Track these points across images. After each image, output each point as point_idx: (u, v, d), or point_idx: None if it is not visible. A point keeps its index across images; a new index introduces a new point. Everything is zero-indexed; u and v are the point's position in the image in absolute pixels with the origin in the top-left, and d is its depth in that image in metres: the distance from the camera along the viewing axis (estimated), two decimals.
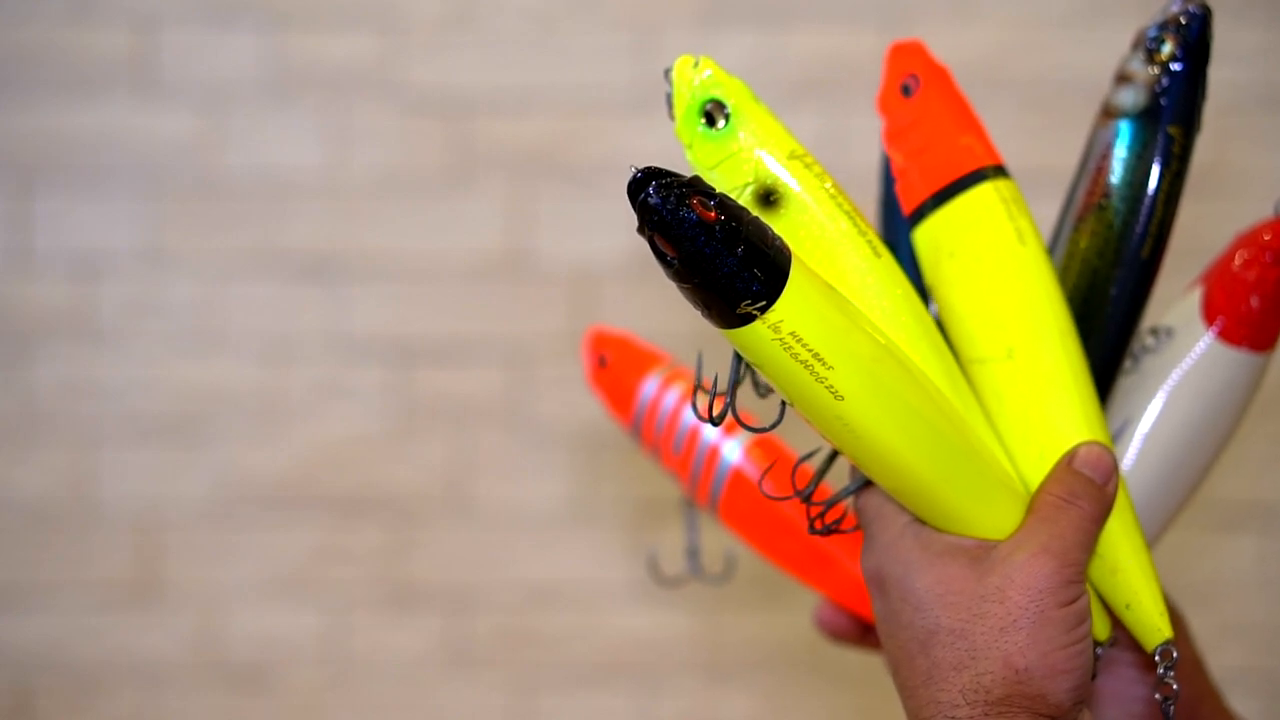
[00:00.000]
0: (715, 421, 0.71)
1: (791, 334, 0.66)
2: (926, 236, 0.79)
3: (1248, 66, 1.70)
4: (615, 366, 1.04)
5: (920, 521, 0.73)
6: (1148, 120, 0.83)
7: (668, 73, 0.76)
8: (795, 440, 0.94)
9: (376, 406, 1.72)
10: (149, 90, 1.70)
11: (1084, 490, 0.73)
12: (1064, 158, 1.76)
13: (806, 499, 0.77)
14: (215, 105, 1.70)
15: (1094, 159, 0.84)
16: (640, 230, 0.65)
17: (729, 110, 0.76)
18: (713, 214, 0.64)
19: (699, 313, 0.68)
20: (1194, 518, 1.73)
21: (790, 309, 0.66)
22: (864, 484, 0.76)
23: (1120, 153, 0.84)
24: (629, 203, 0.65)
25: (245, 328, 1.72)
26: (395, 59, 1.71)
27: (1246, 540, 1.74)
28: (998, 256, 0.77)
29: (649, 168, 0.65)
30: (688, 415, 0.98)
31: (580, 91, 1.71)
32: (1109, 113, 0.85)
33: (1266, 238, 0.89)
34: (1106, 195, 0.84)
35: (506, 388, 1.73)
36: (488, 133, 1.71)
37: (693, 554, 1.08)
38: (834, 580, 0.97)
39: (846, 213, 0.75)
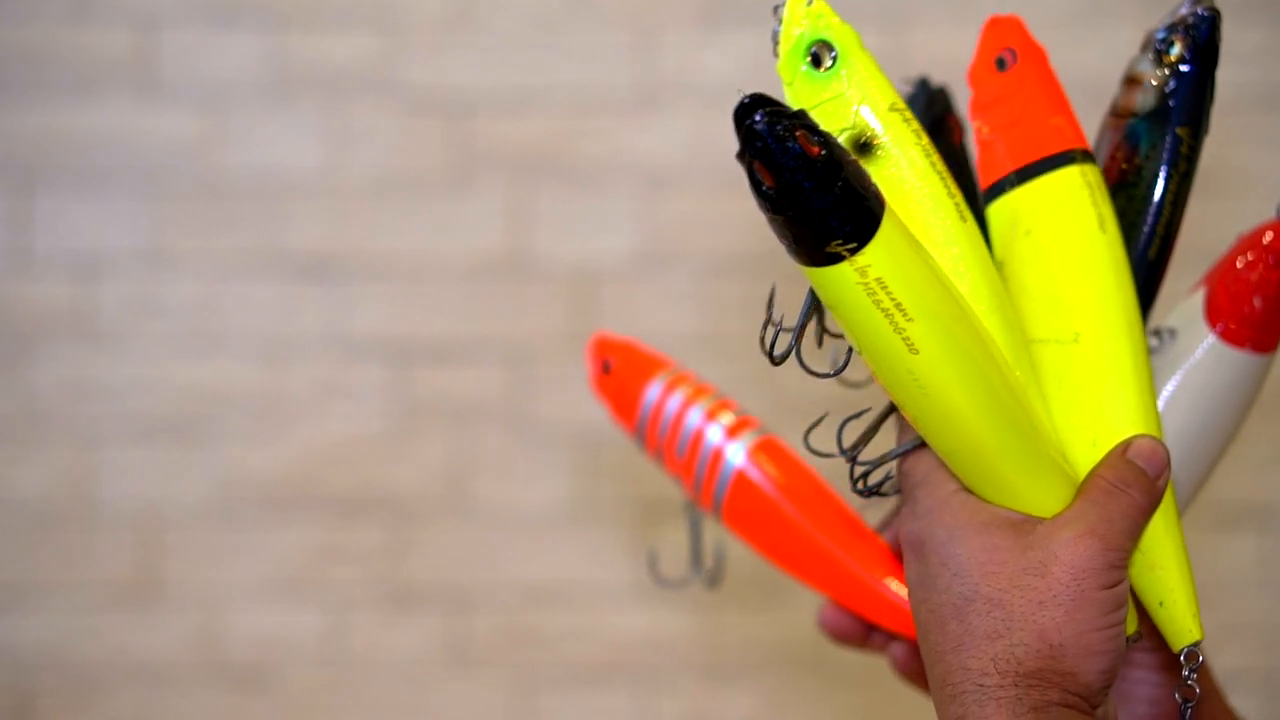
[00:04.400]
0: (778, 360, 0.71)
1: (878, 280, 0.66)
2: (1004, 211, 0.79)
3: (1248, 66, 1.70)
4: (619, 372, 1.04)
5: (968, 490, 0.73)
6: (1156, 122, 0.83)
7: (777, 9, 0.77)
8: (796, 443, 0.94)
9: (376, 406, 1.72)
10: (149, 90, 1.70)
11: (1136, 480, 0.73)
12: None
13: (852, 459, 0.77)
14: (215, 105, 1.70)
15: (1102, 161, 0.84)
16: (740, 156, 0.65)
17: (836, 53, 0.76)
18: (816, 149, 0.64)
19: (784, 246, 0.67)
20: (1194, 518, 1.73)
21: (879, 255, 0.66)
22: (912, 448, 0.76)
23: (1131, 154, 0.84)
24: (737, 130, 0.64)
25: (245, 328, 1.72)
26: (395, 59, 1.71)
27: (1246, 540, 1.74)
28: (1077, 239, 0.77)
29: (757, 94, 0.65)
30: (691, 419, 0.99)
31: (580, 91, 1.71)
32: (1118, 114, 0.85)
33: (1268, 239, 0.89)
34: (1117, 193, 0.84)
35: (506, 388, 1.73)
36: (488, 133, 1.71)
37: (696, 559, 1.08)
38: (838, 582, 0.97)
39: (939, 173, 0.75)
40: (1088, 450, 0.75)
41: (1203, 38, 0.83)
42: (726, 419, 0.99)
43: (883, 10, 1.70)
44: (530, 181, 1.71)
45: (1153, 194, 0.84)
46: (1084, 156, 0.79)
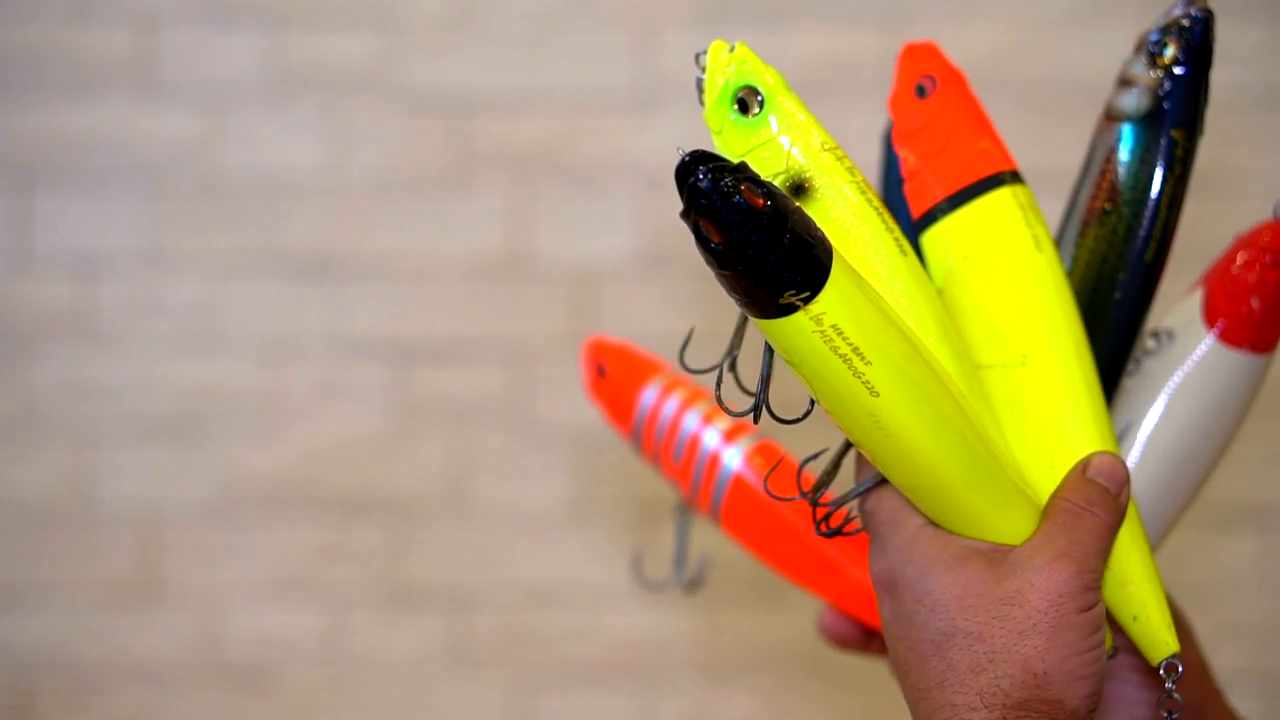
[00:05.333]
0: (754, 417, 0.71)
1: (833, 327, 0.66)
2: (938, 239, 0.78)
3: (1248, 66, 1.70)
4: (614, 376, 1.04)
5: (935, 525, 0.73)
6: (1150, 124, 0.83)
7: (700, 57, 0.75)
8: (796, 445, 0.94)
9: (376, 406, 1.72)
10: (149, 90, 1.70)
11: (1100, 499, 0.73)
12: (1064, 158, 1.76)
13: (814, 501, 0.76)
14: (215, 105, 1.70)
15: (1097, 163, 0.84)
16: (685, 215, 0.65)
17: (763, 97, 0.74)
18: (761, 200, 0.64)
19: (736, 301, 0.67)
20: (1194, 518, 1.73)
21: (833, 301, 0.65)
22: (873, 485, 0.75)
23: (1123, 157, 0.84)
24: (676, 186, 0.64)
25: (245, 328, 1.72)
26: (395, 59, 1.71)
27: (1246, 540, 1.74)
28: (1014, 262, 0.77)
29: (698, 151, 0.64)
30: (688, 423, 0.98)
31: (580, 91, 1.71)
32: (1111, 116, 0.85)
33: (1266, 239, 0.89)
34: (1111, 200, 0.84)
35: (506, 388, 1.73)
36: (488, 133, 1.71)
37: (679, 562, 1.08)
38: (837, 587, 0.96)
39: (875, 208, 0.74)
40: (1046, 472, 0.74)
41: (1196, 39, 0.82)
42: (724, 423, 0.98)
43: (883, 10, 1.70)
44: (530, 181, 1.71)
45: (1148, 197, 0.84)
46: (1013, 178, 0.79)
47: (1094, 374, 0.77)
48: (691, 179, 0.64)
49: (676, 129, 1.70)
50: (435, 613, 1.74)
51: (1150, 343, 0.88)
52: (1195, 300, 0.89)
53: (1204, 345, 0.87)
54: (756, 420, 0.71)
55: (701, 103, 0.75)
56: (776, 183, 0.73)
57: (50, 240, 1.71)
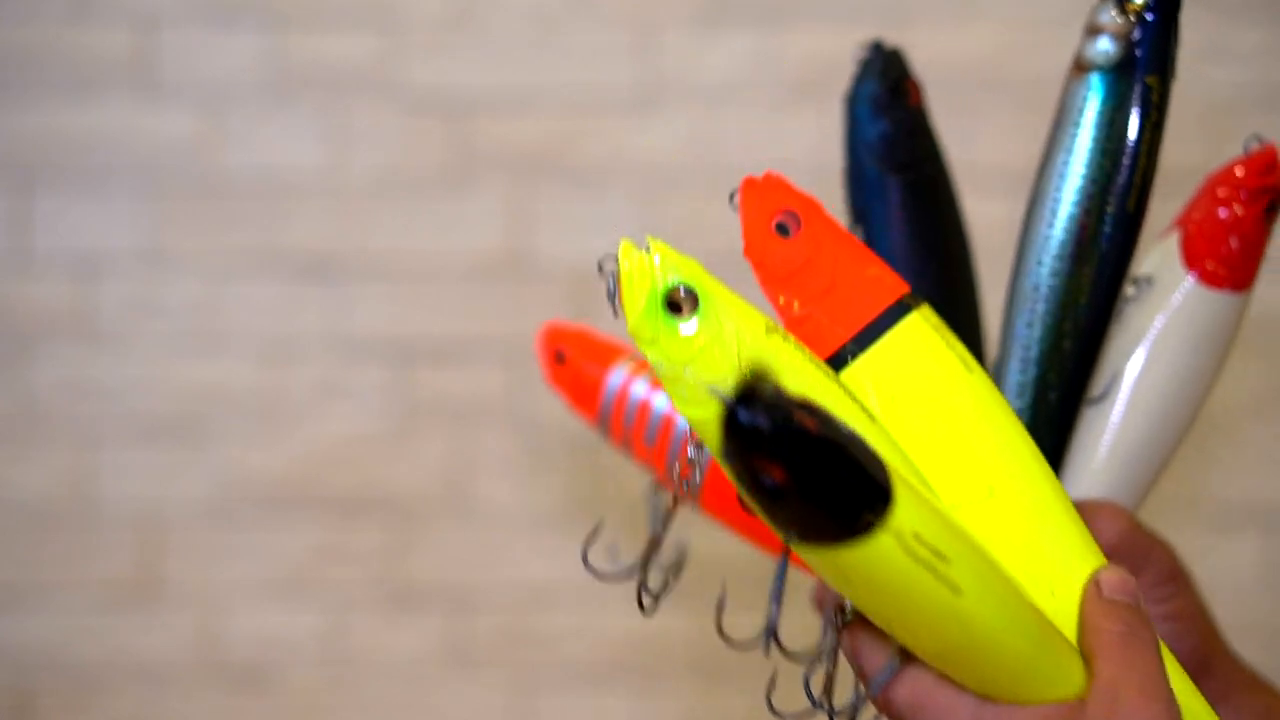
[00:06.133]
0: (765, 648, 0.66)
1: (915, 535, 0.59)
2: (853, 383, 0.70)
3: (1248, 66, 1.70)
4: (575, 361, 1.01)
5: (991, 700, 0.66)
6: (1123, 72, 0.82)
7: (605, 265, 0.66)
8: None
9: (376, 406, 1.72)
10: (149, 90, 1.70)
11: (1135, 618, 0.68)
12: None
13: (832, 710, 0.71)
14: (215, 105, 1.70)
15: (1071, 113, 0.83)
16: (732, 456, 0.56)
17: (695, 292, 0.65)
18: (813, 423, 0.55)
19: (790, 534, 0.58)
20: (1194, 518, 1.73)
21: (907, 506, 0.58)
22: (892, 674, 0.69)
23: (1098, 106, 0.83)
24: (723, 432, 0.55)
25: (245, 328, 1.72)
26: (395, 59, 1.71)
27: (1246, 540, 1.74)
28: (949, 391, 0.71)
29: (738, 386, 0.55)
30: (659, 403, 0.96)
31: (580, 91, 1.71)
32: (1081, 66, 0.84)
33: (1240, 174, 0.88)
34: (1093, 150, 0.83)
35: (506, 388, 1.73)
36: (488, 133, 1.71)
37: (652, 551, 1.04)
38: None
39: (830, 376, 0.69)
40: (1050, 601, 0.69)
41: None
42: None
43: (882, 10, 1.70)
44: (530, 181, 1.71)
45: (1126, 145, 0.83)
46: (915, 299, 0.72)
47: (1058, 484, 0.72)
48: (743, 420, 0.55)
49: (677, 129, 1.70)
50: (435, 613, 1.74)
51: (1130, 290, 0.87)
52: (1172, 244, 0.89)
53: (1186, 288, 0.87)
54: (767, 652, 0.67)
55: (617, 312, 0.67)
56: (734, 379, 0.63)
57: (50, 240, 1.71)
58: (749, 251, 0.73)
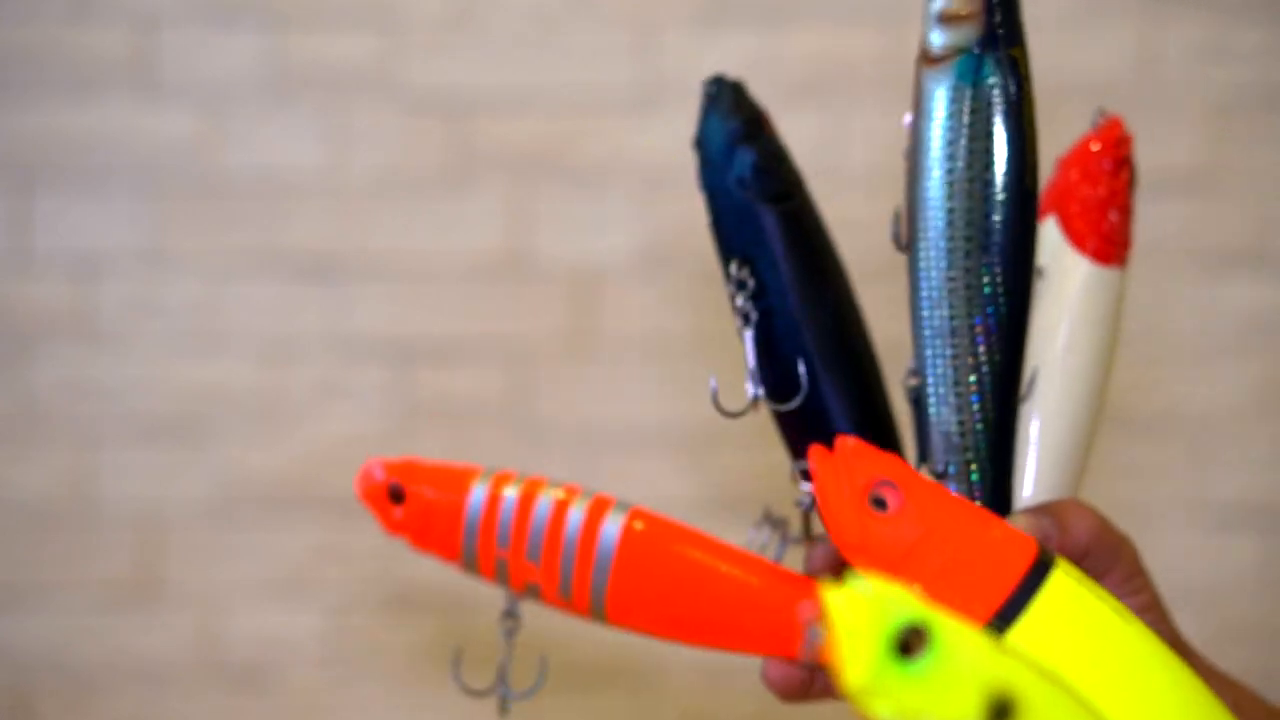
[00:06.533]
0: None
1: None
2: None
3: (1248, 66, 1.70)
4: (419, 494, 0.87)
5: None
6: (988, 50, 0.80)
7: (816, 627, 0.61)
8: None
9: (376, 406, 1.72)
10: (149, 90, 1.70)
11: None
12: None
13: None
14: (215, 105, 1.70)
15: (939, 104, 0.80)
16: None
17: (932, 631, 0.55)
18: None
19: None
20: (1194, 518, 1.74)
21: None
22: None
23: (969, 90, 0.80)
24: None
25: (245, 328, 1.72)
26: (395, 59, 1.71)
27: (1246, 540, 1.74)
28: (1116, 648, 0.65)
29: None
30: (540, 510, 0.83)
31: (580, 91, 1.71)
32: (937, 58, 0.80)
33: (1097, 149, 0.89)
34: (974, 137, 0.80)
35: (506, 388, 1.73)
36: (488, 133, 1.71)
37: (504, 676, 0.91)
38: (765, 636, 0.83)
39: (1052, 682, 0.60)
40: None
41: None
42: (582, 501, 0.84)
43: (882, 10, 1.70)
44: (530, 181, 1.71)
45: (1013, 121, 0.81)
46: (1049, 554, 0.65)
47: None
48: None
49: (677, 129, 1.70)
50: (435, 613, 1.74)
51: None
52: (1052, 230, 0.88)
53: (1083, 271, 0.87)
54: None
55: (818, 660, 0.59)
56: (979, 715, 0.55)
57: (50, 240, 1.71)
58: (840, 536, 0.65)
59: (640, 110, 1.71)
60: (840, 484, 0.65)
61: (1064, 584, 0.64)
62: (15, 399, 1.71)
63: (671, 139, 1.78)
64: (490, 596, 1.79)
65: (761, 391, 0.85)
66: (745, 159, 0.88)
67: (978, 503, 0.81)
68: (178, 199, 1.71)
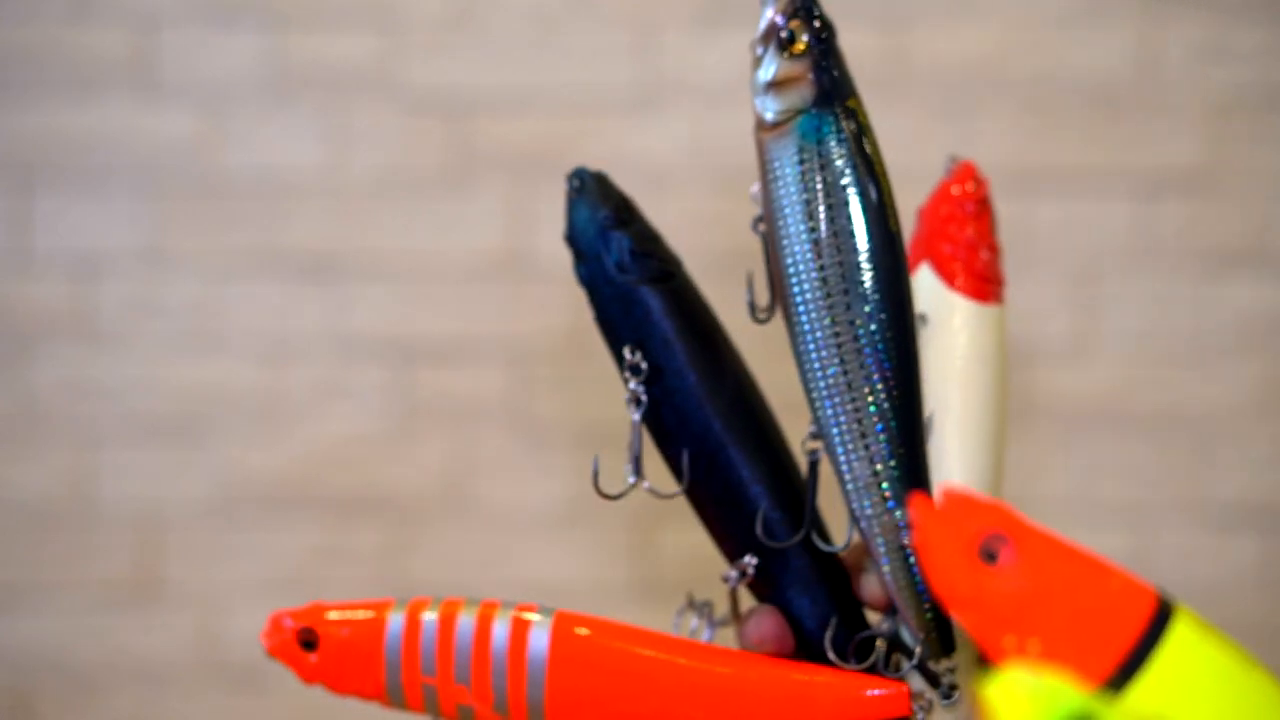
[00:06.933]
0: None
1: None
2: (1136, 715, 0.61)
3: (1248, 66, 1.70)
4: (332, 636, 0.84)
5: None
6: (825, 107, 0.80)
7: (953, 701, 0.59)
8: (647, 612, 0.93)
9: (376, 406, 1.72)
10: (149, 90, 1.70)
11: None
12: (1064, 158, 1.76)
13: None
14: (215, 105, 1.70)
15: (789, 166, 0.80)
16: None
17: (1092, 717, 0.56)
18: None
19: None
20: (1194, 518, 1.74)
21: None
22: None
23: (815, 148, 0.80)
24: None
25: (245, 328, 1.72)
26: (395, 59, 1.71)
27: (1246, 540, 1.74)
28: (1241, 698, 0.62)
29: None
30: (462, 629, 0.82)
31: (580, 91, 1.71)
32: (776, 125, 0.80)
33: (957, 193, 0.90)
34: (829, 194, 0.80)
35: (506, 388, 1.73)
36: (488, 133, 1.71)
37: None
38: (724, 711, 0.83)
39: None
40: None
41: (812, 13, 0.80)
42: (506, 614, 0.83)
43: (882, 10, 1.70)
44: (530, 181, 1.71)
45: (869, 170, 0.80)
46: (1169, 599, 0.64)
47: None
48: None
49: (677, 129, 1.70)
50: None
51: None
52: (927, 275, 0.90)
53: (964, 311, 0.88)
54: None
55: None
56: None
57: (50, 240, 1.71)
58: (949, 592, 0.62)
59: (640, 110, 1.71)
60: (948, 537, 0.62)
61: (1186, 633, 0.62)
62: (15, 399, 1.71)
63: (671, 139, 1.78)
64: (492, 594, 1.79)
65: (642, 480, 0.86)
66: (622, 244, 0.89)
67: (905, 551, 0.81)
68: (178, 199, 1.71)
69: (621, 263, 0.88)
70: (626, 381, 0.86)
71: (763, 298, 0.87)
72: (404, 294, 1.72)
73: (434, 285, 1.72)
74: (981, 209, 0.92)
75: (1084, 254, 1.71)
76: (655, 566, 1.73)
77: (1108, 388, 1.72)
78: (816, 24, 0.81)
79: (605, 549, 1.74)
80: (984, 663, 0.62)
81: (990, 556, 0.62)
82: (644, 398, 0.86)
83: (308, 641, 0.85)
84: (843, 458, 0.82)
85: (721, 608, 0.94)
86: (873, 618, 0.89)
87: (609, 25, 1.71)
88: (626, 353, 0.87)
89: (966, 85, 1.70)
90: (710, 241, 1.91)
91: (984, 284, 0.90)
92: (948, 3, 1.71)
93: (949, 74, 1.70)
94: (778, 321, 0.87)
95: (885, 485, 0.81)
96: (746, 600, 0.92)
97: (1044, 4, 1.71)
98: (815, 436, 0.83)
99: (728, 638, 0.93)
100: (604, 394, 1.73)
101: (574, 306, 1.74)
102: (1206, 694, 0.61)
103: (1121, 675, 0.61)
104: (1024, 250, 1.68)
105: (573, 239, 0.90)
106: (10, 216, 1.71)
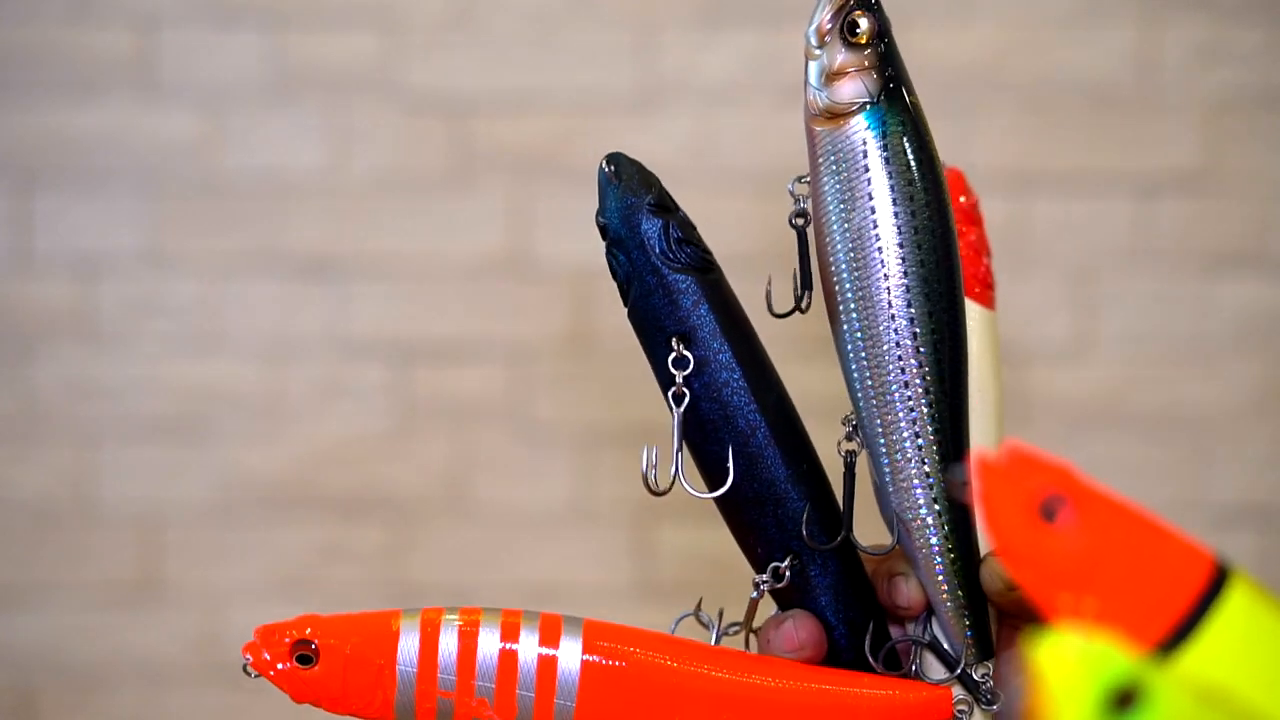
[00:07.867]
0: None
1: None
2: (1191, 677, 0.61)
3: (1248, 66, 1.70)
4: (335, 649, 0.80)
5: None
6: (892, 101, 0.80)
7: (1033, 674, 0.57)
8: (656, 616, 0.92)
9: (376, 406, 1.72)
10: (149, 90, 1.70)
11: None
12: (1064, 158, 1.76)
13: None
14: (215, 105, 1.71)
15: (859, 159, 0.80)
16: None
17: (1147, 689, 0.55)
18: None
19: None
20: (1193, 518, 1.74)
21: None
22: None
23: (881, 141, 0.79)
24: None
25: (245, 328, 1.72)
26: (395, 59, 1.71)
27: (1246, 540, 1.74)
28: None
29: None
30: (486, 646, 0.78)
31: (580, 91, 1.71)
32: (836, 115, 0.80)
33: (962, 200, 0.91)
34: (910, 183, 0.79)
35: (506, 388, 1.73)
36: (488, 133, 1.71)
37: None
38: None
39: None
40: None
41: (873, 3, 0.80)
42: (531, 625, 0.79)
43: None
44: (530, 181, 1.71)
45: (934, 167, 0.80)
46: (1225, 565, 0.63)
47: None
48: None
49: (677, 129, 1.71)
50: None
51: None
52: None
53: (975, 316, 0.89)
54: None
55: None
56: None
57: (50, 240, 1.71)
58: (1007, 550, 0.62)
59: (640, 110, 1.71)
60: (1008, 495, 0.61)
61: (1243, 598, 0.63)
62: (16, 399, 1.72)
63: (671, 139, 1.79)
64: (490, 597, 1.80)
65: (682, 477, 0.83)
66: (669, 231, 0.85)
67: (951, 555, 0.81)
68: (178, 199, 1.71)
69: (666, 250, 0.84)
70: (671, 376, 0.83)
71: (785, 291, 0.85)
72: (404, 294, 1.72)
73: (434, 285, 1.72)
74: (974, 219, 0.93)
75: (1083, 254, 1.71)
76: (655, 566, 1.73)
77: (1106, 388, 1.72)
78: (879, 12, 0.80)
79: (605, 549, 1.74)
80: (1035, 624, 0.62)
81: (1050, 515, 0.61)
82: (686, 394, 0.83)
83: (304, 656, 0.82)
84: (884, 457, 0.81)
85: (727, 615, 0.92)
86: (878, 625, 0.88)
87: (609, 25, 1.71)
88: (674, 344, 0.83)
89: (965, 86, 1.70)
90: (710, 242, 1.92)
91: (985, 289, 0.91)
92: (947, 3, 1.71)
93: (948, 74, 1.70)
94: (782, 323, 0.86)
95: (933, 484, 0.81)
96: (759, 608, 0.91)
97: (1043, 5, 1.71)
98: (850, 438, 0.83)
99: (731, 644, 0.92)
100: (604, 394, 1.73)
101: (574, 306, 1.75)
102: (1261, 661, 0.61)
103: (1175, 638, 0.61)
104: (1023, 250, 1.68)
105: (610, 226, 0.86)
106: (11, 217, 1.71)
